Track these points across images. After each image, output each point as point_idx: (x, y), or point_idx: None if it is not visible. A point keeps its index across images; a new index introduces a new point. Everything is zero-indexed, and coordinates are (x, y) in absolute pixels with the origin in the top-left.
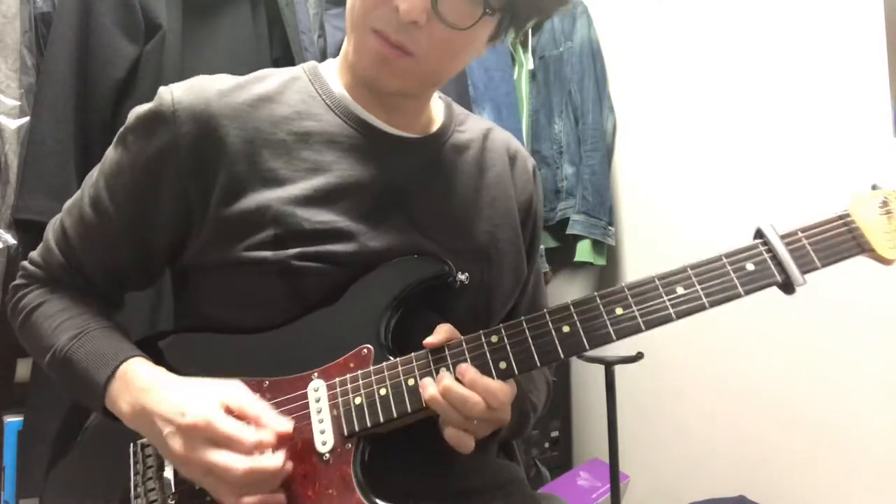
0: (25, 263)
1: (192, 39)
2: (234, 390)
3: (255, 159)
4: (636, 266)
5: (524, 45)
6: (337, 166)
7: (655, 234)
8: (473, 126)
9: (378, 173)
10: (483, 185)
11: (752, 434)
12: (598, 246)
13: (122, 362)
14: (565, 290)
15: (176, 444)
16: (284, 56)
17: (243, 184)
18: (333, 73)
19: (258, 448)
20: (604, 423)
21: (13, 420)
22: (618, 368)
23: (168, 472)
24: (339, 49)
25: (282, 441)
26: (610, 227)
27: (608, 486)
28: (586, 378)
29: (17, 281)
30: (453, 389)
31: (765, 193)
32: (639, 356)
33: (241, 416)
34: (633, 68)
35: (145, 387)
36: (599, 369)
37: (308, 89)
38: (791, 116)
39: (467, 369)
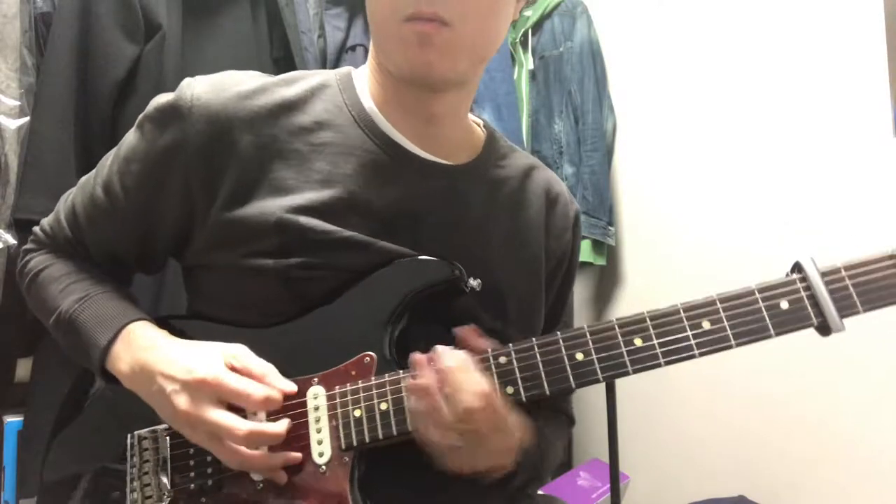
0: (36, 229)
1: (192, 39)
2: (238, 350)
3: (266, 167)
4: (636, 266)
5: (524, 45)
6: (350, 180)
7: (655, 234)
8: (514, 163)
9: (393, 193)
10: (512, 228)
11: (752, 434)
12: (598, 246)
13: (125, 324)
14: None
15: (181, 401)
16: (284, 56)
17: (250, 190)
18: (365, 86)
19: (267, 403)
20: (604, 423)
21: (13, 420)
22: None
23: (165, 468)
24: (339, 49)
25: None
26: (610, 227)
27: (608, 486)
28: None
29: (27, 245)
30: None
31: (765, 193)
32: None
33: (246, 375)
34: (633, 68)
35: (147, 345)
36: None
37: (336, 99)
38: (791, 116)
39: (469, 332)
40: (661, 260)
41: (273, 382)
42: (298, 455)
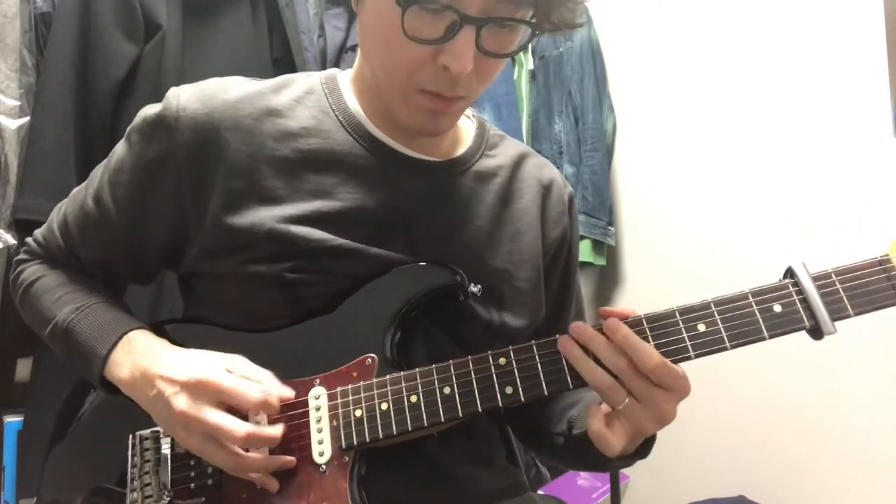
0: (29, 239)
1: (192, 39)
2: (237, 359)
3: (255, 175)
4: (636, 266)
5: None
6: (341, 188)
7: (655, 234)
8: (505, 151)
9: (385, 196)
10: (505, 218)
11: (752, 434)
12: (598, 246)
13: (124, 333)
14: None
15: (180, 402)
16: (284, 56)
17: (240, 199)
18: (350, 90)
19: (264, 405)
20: None
21: (13, 420)
22: None
23: (165, 467)
24: (339, 49)
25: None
26: (610, 227)
27: (608, 486)
28: None
29: (20, 256)
30: (632, 336)
31: (765, 193)
32: None
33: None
34: (633, 68)
35: (147, 352)
36: None
37: (322, 104)
38: (791, 116)
39: (618, 325)
40: (661, 260)
41: (271, 388)
42: (293, 459)
